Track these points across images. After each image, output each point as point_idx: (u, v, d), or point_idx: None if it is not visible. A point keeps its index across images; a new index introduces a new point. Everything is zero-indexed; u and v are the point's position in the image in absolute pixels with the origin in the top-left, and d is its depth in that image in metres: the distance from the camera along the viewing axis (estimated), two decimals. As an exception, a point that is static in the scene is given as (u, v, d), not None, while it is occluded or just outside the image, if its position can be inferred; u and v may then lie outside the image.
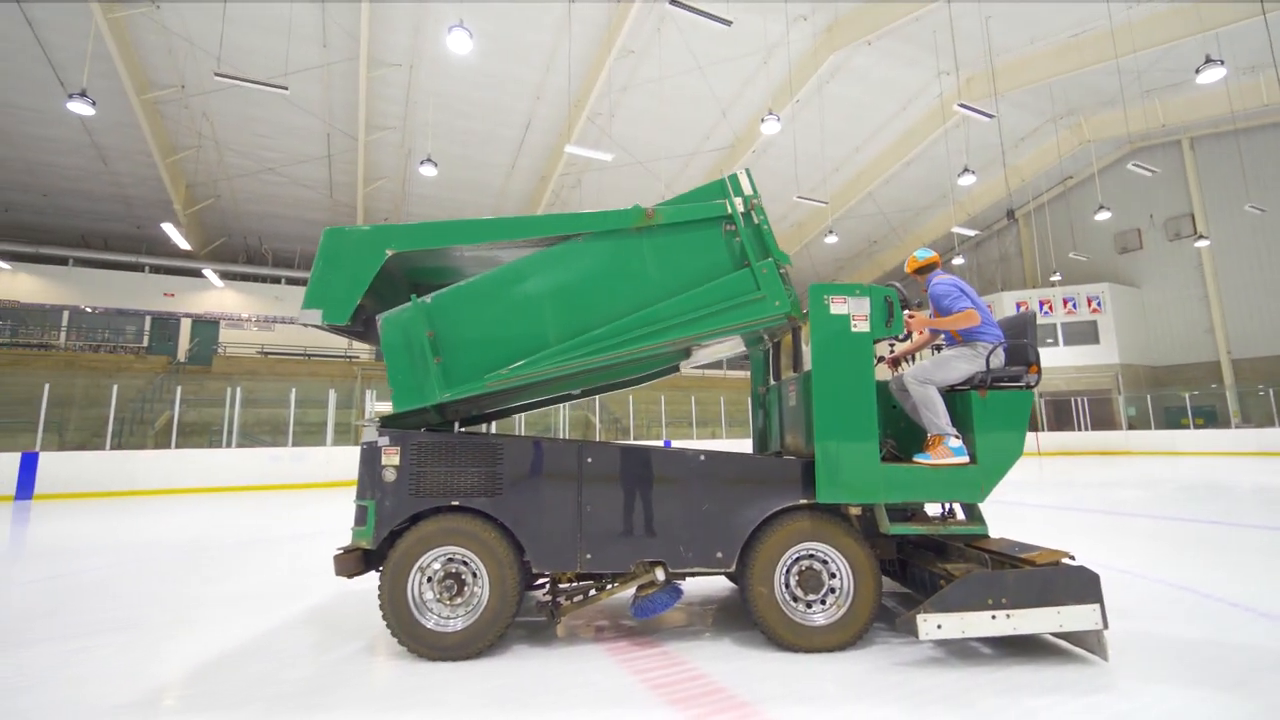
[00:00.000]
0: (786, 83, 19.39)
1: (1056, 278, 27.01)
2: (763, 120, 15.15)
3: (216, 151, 19.83)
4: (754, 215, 3.21)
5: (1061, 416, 26.92)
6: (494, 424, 5.01)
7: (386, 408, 3.26)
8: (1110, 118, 23.63)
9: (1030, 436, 25.25)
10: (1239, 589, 4.31)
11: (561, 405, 20.88)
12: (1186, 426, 23.29)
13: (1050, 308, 27.61)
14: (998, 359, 3.53)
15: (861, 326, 3.37)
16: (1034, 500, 10.01)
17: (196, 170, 20.28)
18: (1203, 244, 23.52)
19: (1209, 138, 25.62)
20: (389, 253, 3.08)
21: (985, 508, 8.71)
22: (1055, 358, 27.34)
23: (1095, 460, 20.52)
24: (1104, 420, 25.64)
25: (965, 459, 3.33)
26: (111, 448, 14.66)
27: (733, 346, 4.20)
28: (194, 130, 18.69)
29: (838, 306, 3.39)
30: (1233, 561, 5.17)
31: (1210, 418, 24.40)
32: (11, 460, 12.45)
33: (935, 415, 3.43)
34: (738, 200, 3.18)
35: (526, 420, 20.20)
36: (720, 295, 3.10)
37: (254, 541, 7.15)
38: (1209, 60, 13.09)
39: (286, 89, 14.08)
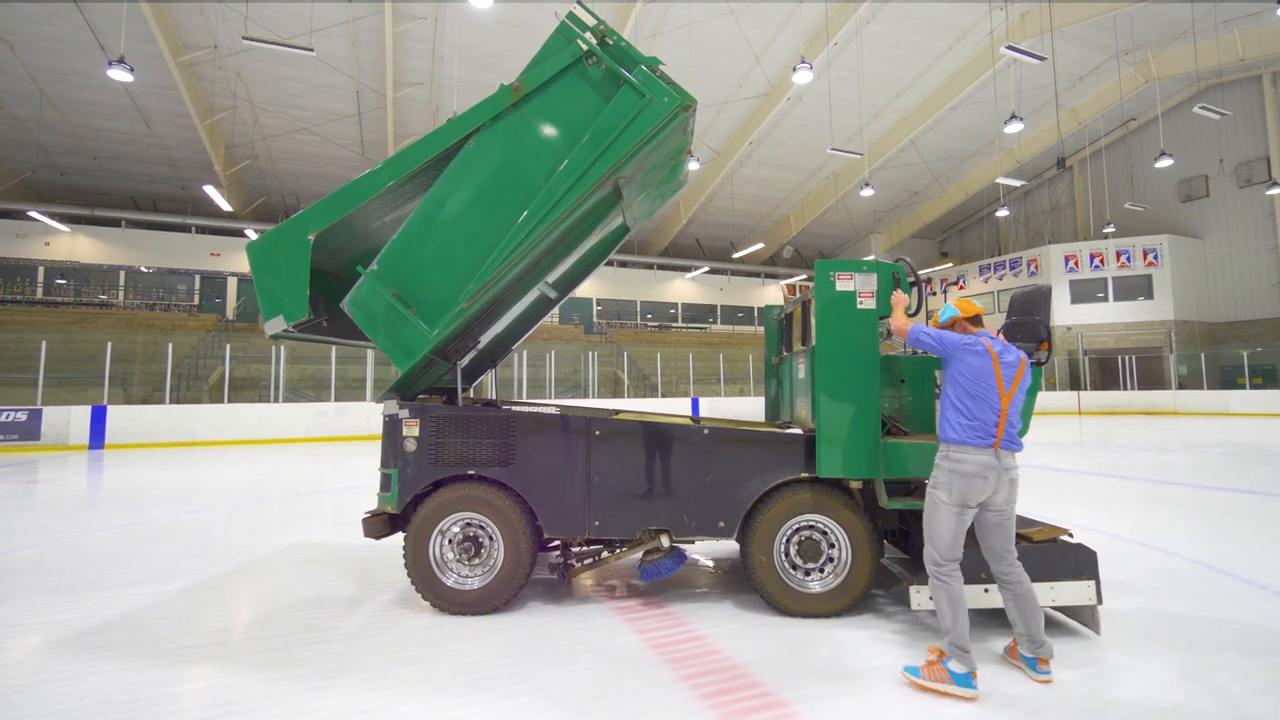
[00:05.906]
0: (824, 24, 18.40)
1: (1110, 229, 25.56)
2: (795, 69, 14.49)
3: (251, 112, 20.10)
4: (607, 39, 3.22)
5: (1107, 375, 25.99)
6: (497, 387, 5.14)
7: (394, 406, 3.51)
8: (1180, 53, 21.73)
9: (1071, 395, 24.53)
10: (1257, 565, 4.27)
11: (590, 364, 21.17)
12: (1242, 386, 22.24)
13: (1102, 261, 26.27)
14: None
15: (867, 304, 3.37)
16: (1068, 464, 9.87)
17: (233, 131, 20.64)
18: (1277, 190, 21.85)
19: (1294, 72, 23.43)
20: (311, 237, 3.20)
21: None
22: (1103, 314, 26.19)
23: (1140, 421, 19.88)
24: (1152, 379, 24.67)
25: (965, 690, 2.55)
26: (171, 402, 15.65)
27: (669, 168, 4.04)
28: (229, 91, 18.94)
29: (843, 283, 3.38)
30: (1260, 535, 5.09)
31: (1270, 377, 23.21)
32: (83, 413, 13.45)
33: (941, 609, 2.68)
34: (588, 35, 3.20)
35: (557, 377, 20.60)
36: (614, 120, 3.14)
37: (303, 494, 7.67)
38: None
39: (312, 50, 14.12)
